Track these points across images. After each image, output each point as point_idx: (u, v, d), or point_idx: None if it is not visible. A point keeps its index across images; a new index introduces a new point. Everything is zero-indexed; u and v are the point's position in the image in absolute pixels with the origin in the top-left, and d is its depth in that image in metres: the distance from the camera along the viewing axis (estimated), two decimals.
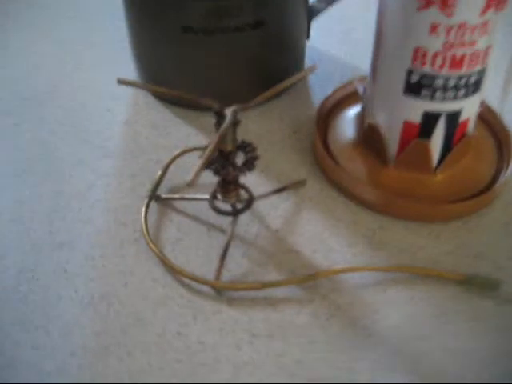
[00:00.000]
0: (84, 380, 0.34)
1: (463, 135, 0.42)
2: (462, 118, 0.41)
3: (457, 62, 0.37)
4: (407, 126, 0.41)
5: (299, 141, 0.49)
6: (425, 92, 0.39)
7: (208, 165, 0.38)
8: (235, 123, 0.35)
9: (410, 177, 0.43)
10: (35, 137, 0.49)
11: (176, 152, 0.46)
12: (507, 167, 0.44)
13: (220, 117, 0.36)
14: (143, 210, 0.42)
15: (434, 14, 0.35)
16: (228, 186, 0.39)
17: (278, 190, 0.43)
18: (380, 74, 0.41)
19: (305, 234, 0.42)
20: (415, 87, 0.39)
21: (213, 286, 0.38)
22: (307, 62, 0.55)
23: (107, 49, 0.59)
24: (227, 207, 0.41)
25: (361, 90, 0.46)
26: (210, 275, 0.39)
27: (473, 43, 0.36)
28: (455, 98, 0.39)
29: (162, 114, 0.51)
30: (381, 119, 0.43)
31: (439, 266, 0.39)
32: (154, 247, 0.40)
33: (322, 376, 0.34)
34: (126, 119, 0.50)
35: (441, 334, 0.36)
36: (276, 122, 0.50)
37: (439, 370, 0.34)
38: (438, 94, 0.39)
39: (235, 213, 0.40)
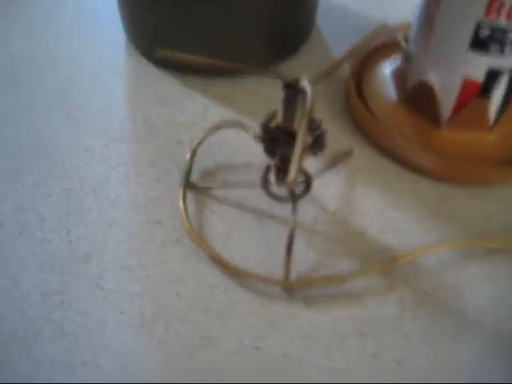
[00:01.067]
0: None
1: None
2: None
3: None
4: (467, 84, 0.37)
5: (331, 102, 0.43)
6: (494, 47, 0.34)
7: (269, 145, 0.32)
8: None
9: (464, 138, 0.39)
10: (26, 127, 0.41)
11: (204, 131, 0.39)
12: None
13: (293, 90, 0.30)
14: (180, 202, 0.36)
15: None
16: (287, 168, 0.34)
17: (330, 166, 0.38)
18: (438, 26, 0.36)
19: (367, 213, 0.37)
20: (483, 42, 0.34)
21: (286, 287, 0.33)
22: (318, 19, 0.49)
23: (82, 15, 0.50)
24: (281, 192, 0.36)
25: (402, 42, 0.41)
26: (275, 272, 0.34)
27: None
28: None
29: (170, 85, 0.44)
30: (435, 76, 0.38)
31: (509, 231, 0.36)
32: (204, 246, 0.34)
33: (426, 373, 0.31)
34: (128, 94, 0.43)
35: None
36: None
37: None
38: (508, 48, 0.34)
39: (295, 198, 0.35)
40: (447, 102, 0.38)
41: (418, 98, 0.40)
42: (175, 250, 0.35)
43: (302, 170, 0.36)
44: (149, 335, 0.31)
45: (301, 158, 0.25)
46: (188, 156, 0.38)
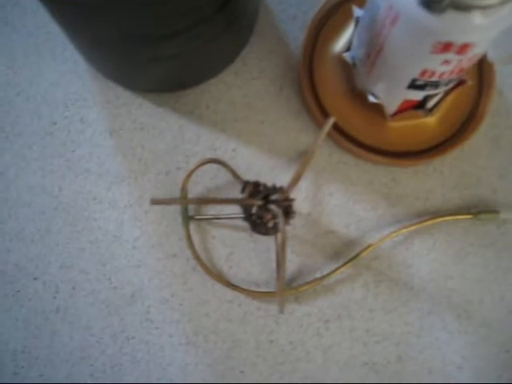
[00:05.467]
0: None
1: (457, 87, 0.43)
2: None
3: (463, 71, 0.37)
4: (407, 101, 0.42)
5: (289, 98, 0.48)
6: (429, 88, 0.39)
7: (245, 217, 0.41)
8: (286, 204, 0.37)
9: (408, 125, 0.46)
10: (30, 184, 0.47)
11: (188, 168, 0.46)
12: (488, 89, 0.46)
13: (265, 209, 0.37)
14: (185, 239, 0.45)
15: (448, 55, 0.34)
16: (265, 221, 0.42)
17: (298, 175, 0.46)
18: (379, 69, 0.40)
19: (334, 210, 0.47)
20: (419, 87, 0.39)
21: (279, 297, 0.45)
22: None
23: (38, 35, 0.49)
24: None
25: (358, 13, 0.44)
26: (271, 279, 0.46)
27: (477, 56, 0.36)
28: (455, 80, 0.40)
29: (143, 108, 0.47)
30: (378, 92, 0.43)
31: (450, 204, 0.47)
32: (213, 274, 0.45)
33: (385, 334, 0.45)
34: (108, 127, 0.47)
35: (462, 268, 0.46)
36: (257, 78, 0.48)
37: (467, 300, 0.46)
38: (441, 86, 0.39)
39: (276, 230, 0.44)
40: (390, 108, 0.44)
41: (365, 97, 0.45)
42: (194, 277, 0.46)
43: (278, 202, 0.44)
44: (195, 348, 0.45)
45: (283, 277, 0.35)
46: (180, 192, 0.45)
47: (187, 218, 0.46)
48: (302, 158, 0.37)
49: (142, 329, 0.45)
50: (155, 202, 0.36)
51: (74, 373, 0.45)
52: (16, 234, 0.46)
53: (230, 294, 0.46)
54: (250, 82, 0.48)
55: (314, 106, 0.46)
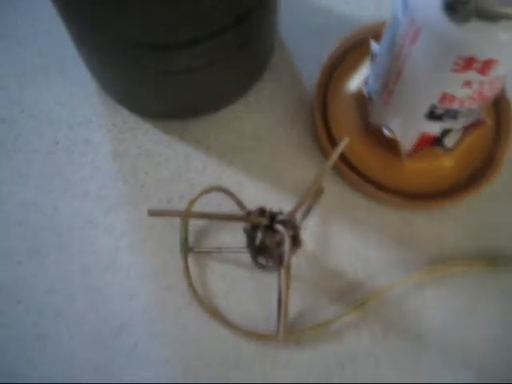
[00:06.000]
0: None
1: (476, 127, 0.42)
2: (479, 117, 0.41)
3: (483, 98, 0.36)
4: (424, 135, 0.41)
5: (300, 133, 0.47)
6: (447, 119, 0.38)
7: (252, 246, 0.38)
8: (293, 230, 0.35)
9: (423, 166, 0.44)
10: (25, 202, 0.45)
11: (190, 198, 0.44)
12: (507, 130, 0.45)
13: (269, 229, 0.35)
14: (183, 272, 0.43)
15: (469, 75, 0.33)
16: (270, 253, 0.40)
17: (307, 212, 0.44)
18: (397, 98, 0.39)
19: (341, 252, 0.44)
20: (438, 116, 0.38)
21: (282, 341, 0.42)
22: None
23: (44, 62, 0.49)
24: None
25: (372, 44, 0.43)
26: (271, 320, 0.42)
27: (502, 82, 0.35)
28: (477, 114, 0.39)
29: (149, 135, 0.46)
30: (393, 126, 0.42)
31: (465, 251, 0.44)
32: (210, 311, 0.42)
33: None
34: (112, 151, 0.46)
35: (478, 321, 0.42)
36: (269, 112, 0.47)
37: (483, 356, 0.42)
38: (461, 118, 0.38)
39: (280, 263, 0.42)
40: (406, 144, 0.43)
41: (380, 134, 0.44)
42: (189, 313, 0.43)
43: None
44: None
45: (285, 317, 0.32)
46: (180, 223, 0.43)
47: (186, 250, 0.43)
48: (312, 181, 0.36)
49: (127, 365, 0.42)
50: (153, 213, 0.34)
51: None
52: (2, 252, 0.43)
53: (225, 334, 0.42)
54: (261, 116, 0.47)
55: (327, 143, 0.45)
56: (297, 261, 0.44)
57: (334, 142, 0.45)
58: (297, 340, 0.42)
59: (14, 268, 0.43)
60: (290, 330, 0.42)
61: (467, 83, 0.33)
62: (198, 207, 0.44)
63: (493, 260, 0.43)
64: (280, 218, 0.35)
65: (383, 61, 0.39)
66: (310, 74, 0.48)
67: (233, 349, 0.42)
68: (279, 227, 0.34)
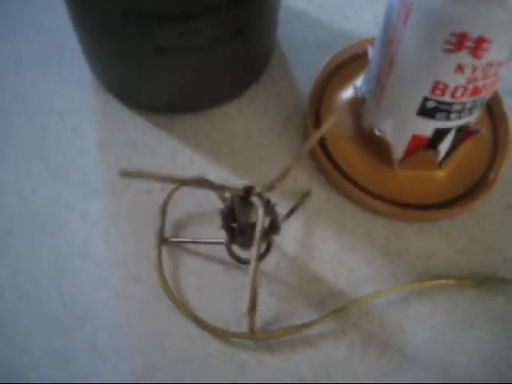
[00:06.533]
0: None
1: (469, 136, 0.41)
2: (472, 126, 0.40)
3: (477, 91, 0.35)
4: (416, 138, 0.40)
5: (292, 139, 0.46)
6: (440, 115, 0.37)
7: (228, 228, 0.36)
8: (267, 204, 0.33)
9: (415, 176, 0.43)
10: (4, 182, 0.44)
11: (169, 188, 0.42)
12: (503, 147, 0.44)
13: (245, 200, 0.33)
14: (156, 262, 0.41)
15: (462, 56, 0.32)
16: (246, 237, 0.38)
17: (289, 213, 0.42)
18: (389, 92, 0.38)
19: (323, 257, 0.42)
20: (430, 111, 0.37)
21: (251, 340, 0.39)
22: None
23: (46, 51, 0.50)
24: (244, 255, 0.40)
25: (359, 90, 0.43)
26: (242, 321, 0.40)
27: (496, 74, 0.34)
28: (470, 114, 0.38)
29: (138, 126, 0.46)
30: (385, 128, 0.41)
31: (454, 268, 0.41)
32: (179, 304, 0.40)
33: None
34: (99, 140, 0.45)
35: (465, 340, 0.39)
36: (262, 116, 0.47)
37: (468, 376, 0.38)
38: (453, 115, 0.37)
39: (256, 261, 0.40)
40: (398, 148, 0.41)
41: (372, 139, 0.43)
42: (156, 306, 0.40)
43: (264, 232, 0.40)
44: None
45: (254, 285, 0.30)
46: (158, 212, 0.42)
47: (161, 239, 0.41)
48: (294, 154, 0.34)
49: (85, 355, 0.39)
50: (124, 173, 0.32)
51: None
52: None
53: (193, 330, 0.39)
54: (253, 119, 0.47)
55: (318, 148, 0.44)
56: (276, 260, 0.42)
57: (325, 149, 0.44)
58: (268, 344, 0.39)
59: None
60: (264, 331, 0.39)
61: (459, 68, 0.33)
62: (177, 203, 0.43)
63: (483, 280, 0.41)
64: (256, 191, 0.33)
65: (376, 56, 0.38)
66: (306, 83, 0.48)
67: (200, 346, 0.39)
68: (254, 199, 0.33)
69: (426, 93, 0.35)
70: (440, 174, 0.43)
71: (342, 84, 0.46)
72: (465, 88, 0.34)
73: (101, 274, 0.41)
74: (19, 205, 0.43)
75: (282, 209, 0.42)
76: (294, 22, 0.51)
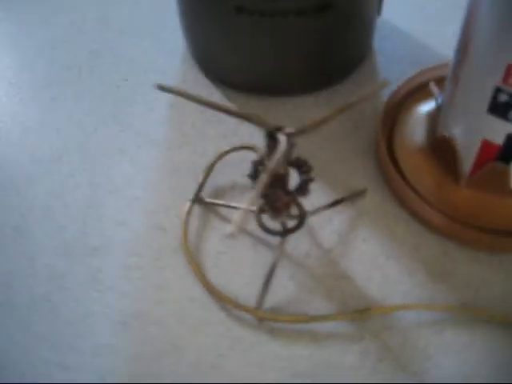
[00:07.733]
0: None
1: None
2: None
3: None
4: (486, 145, 0.35)
5: (361, 139, 0.43)
6: None
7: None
8: (291, 147, 0.31)
9: (482, 198, 0.38)
10: (72, 116, 0.46)
11: (223, 149, 0.42)
12: None
13: (272, 138, 0.31)
14: (184, 216, 0.39)
15: None
16: (276, 204, 0.35)
17: (334, 203, 0.39)
18: (462, 85, 0.35)
19: (359, 257, 0.37)
20: (502, 107, 0.33)
21: (253, 315, 0.35)
22: (375, 43, 0.49)
23: (154, 15, 0.53)
24: (276, 224, 0.37)
25: (435, 90, 0.40)
26: (253, 298, 0.36)
27: None
28: None
29: (213, 97, 0.46)
30: (456, 132, 0.37)
31: (507, 306, 0.35)
32: (192, 262, 0.37)
33: None
34: (171, 101, 0.46)
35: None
36: (337, 117, 0.45)
37: None
38: None
39: (284, 233, 0.36)
40: (467, 158, 0.37)
41: (441, 149, 0.39)
42: (170, 259, 0.38)
43: (297, 204, 0.37)
44: (126, 333, 0.35)
45: (246, 214, 0.27)
46: (203, 173, 0.40)
47: (197, 196, 0.40)
48: (336, 106, 0.31)
49: (82, 285, 0.37)
50: (161, 87, 0.32)
51: None
52: (32, 153, 0.43)
53: (198, 291, 0.36)
54: (325, 112, 0.45)
55: (384, 151, 0.40)
56: (308, 247, 0.38)
57: (392, 154, 0.41)
58: (272, 326, 0.35)
59: (31, 164, 0.43)
60: (270, 312, 0.35)
61: None
62: (222, 170, 0.41)
63: None
64: (286, 131, 0.31)
65: (454, 55, 0.36)
66: (391, 86, 0.45)
67: (199, 310, 0.36)
68: (279, 135, 0.30)
69: (498, 79, 0.32)
70: (510, 202, 0.37)
71: (424, 99, 0.43)
72: None
73: (127, 215, 0.40)
74: (78, 138, 0.44)
75: (330, 199, 0.40)
76: (394, 38, 0.50)
